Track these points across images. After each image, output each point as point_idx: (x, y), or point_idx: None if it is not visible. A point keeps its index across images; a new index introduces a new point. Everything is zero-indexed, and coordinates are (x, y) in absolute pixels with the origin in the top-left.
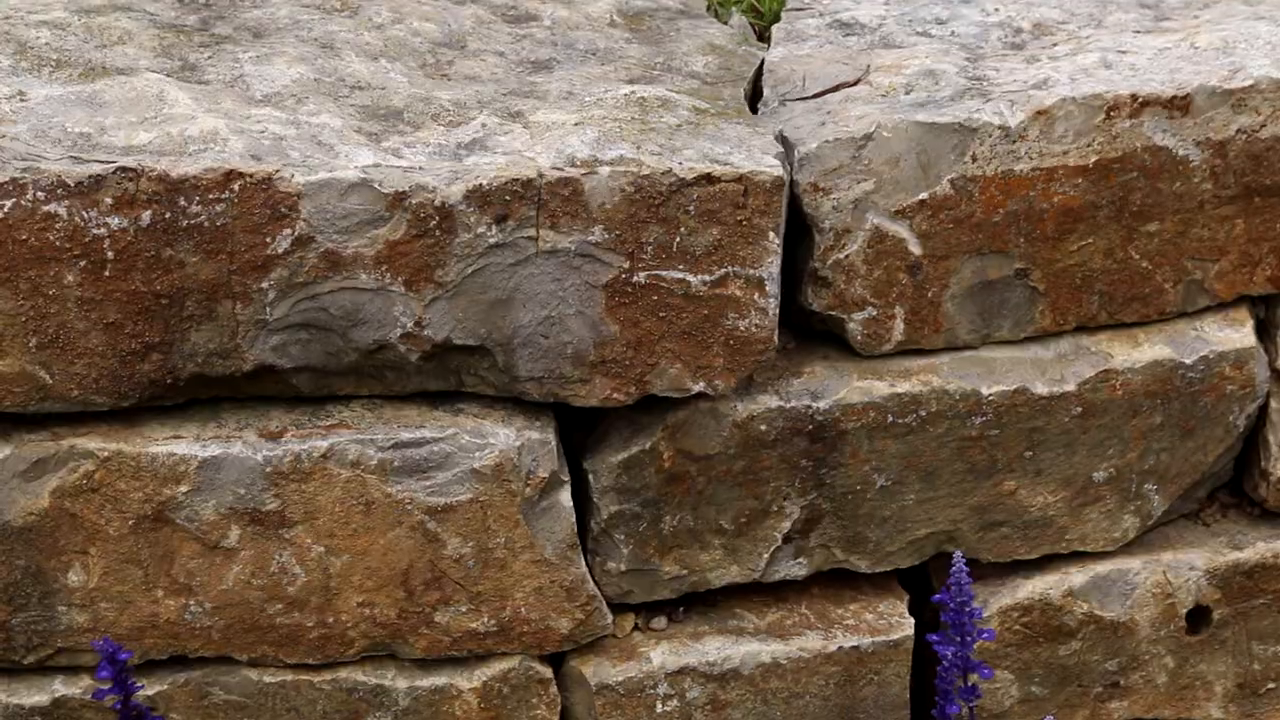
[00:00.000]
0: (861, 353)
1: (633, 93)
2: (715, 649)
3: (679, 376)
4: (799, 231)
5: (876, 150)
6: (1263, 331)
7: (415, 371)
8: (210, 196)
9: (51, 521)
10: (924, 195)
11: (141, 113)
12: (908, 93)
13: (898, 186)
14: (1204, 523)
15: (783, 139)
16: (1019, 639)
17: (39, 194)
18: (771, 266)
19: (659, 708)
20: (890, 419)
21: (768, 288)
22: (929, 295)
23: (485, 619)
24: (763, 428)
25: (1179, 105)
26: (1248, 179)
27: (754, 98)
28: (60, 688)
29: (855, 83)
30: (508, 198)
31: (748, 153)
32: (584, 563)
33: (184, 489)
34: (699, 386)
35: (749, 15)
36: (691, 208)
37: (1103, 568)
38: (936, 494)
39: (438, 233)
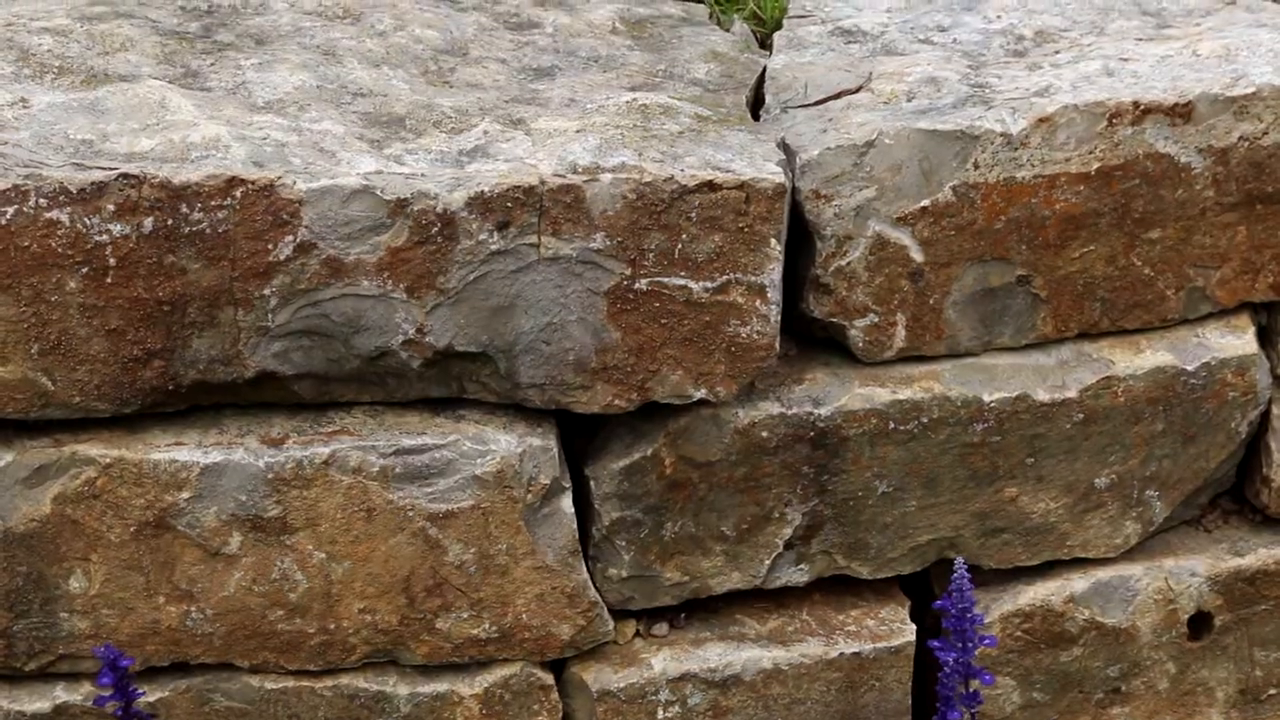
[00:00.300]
0: (863, 359)
1: (635, 100)
2: (717, 655)
3: (680, 383)
4: (800, 238)
5: (878, 157)
6: (1264, 338)
7: (417, 378)
8: (212, 203)
9: (53, 528)
10: (926, 202)
11: (144, 119)
12: (910, 100)
13: (900, 193)
14: (1206, 529)
15: (784, 146)
16: (1020, 645)
17: (41, 201)
18: (773, 273)
19: (660, 714)
20: (892, 425)
21: (769, 295)
22: (931, 302)
23: (487, 625)
24: (764, 434)
25: (1181, 112)
26: (1250, 186)
27: (756, 105)
28: (62, 694)
29: (857, 90)
30: (509, 205)
31: (749, 160)
32: (585, 569)
33: (185, 495)
34: (700, 393)
35: (751, 22)
36: (693, 215)
37: (1104, 574)
38: (938, 500)
39: (439, 239)
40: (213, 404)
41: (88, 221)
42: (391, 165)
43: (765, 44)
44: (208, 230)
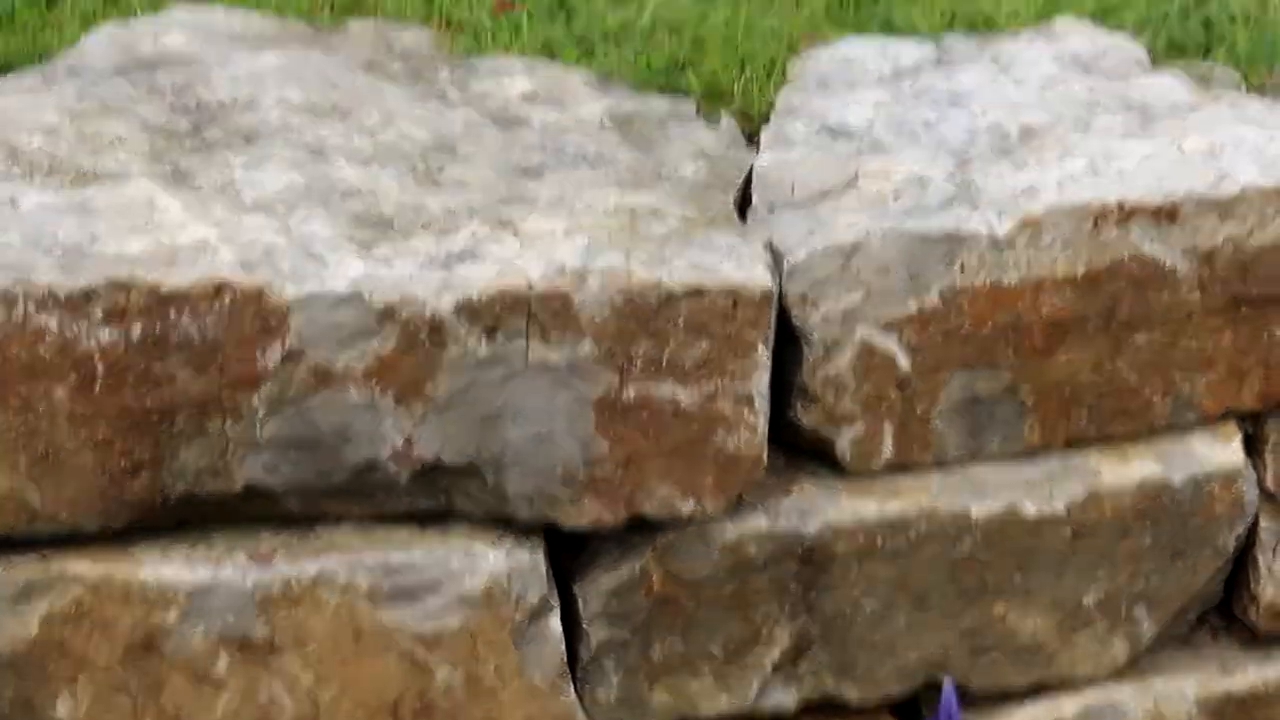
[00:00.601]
0: (851, 470)
1: (623, 200)
2: None
3: (668, 497)
4: (786, 342)
5: (865, 260)
6: (1251, 448)
7: (405, 491)
8: (201, 309)
9: (40, 649)
10: (913, 307)
11: (132, 221)
12: (896, 199)
13: (887, 297)
14: (1194, 647)
15: (771, 248)
16: None
17: (30, 306)
18: (760, 382)
19: None
20: (880, 540)
21: (756, 404)
22: (918, 411)
23: None
24: (752, 550)
25: (1166, 214)
26: (1235, 289)
27: (744, 203)
28: None
29: (844, 189)
30: (498, 309)
31: (737, 263)
32: (574, 691)
33: (173, 615)
34: (688, 507)
35: (738, 118)
36: (681, 320)
37: (1093, 697)
38: (926, 617)
39: (428, 346)
40: (200, 518)
41: (76, 328)
42: (380, 269)
43: (752, 139)
44: (196, 337)
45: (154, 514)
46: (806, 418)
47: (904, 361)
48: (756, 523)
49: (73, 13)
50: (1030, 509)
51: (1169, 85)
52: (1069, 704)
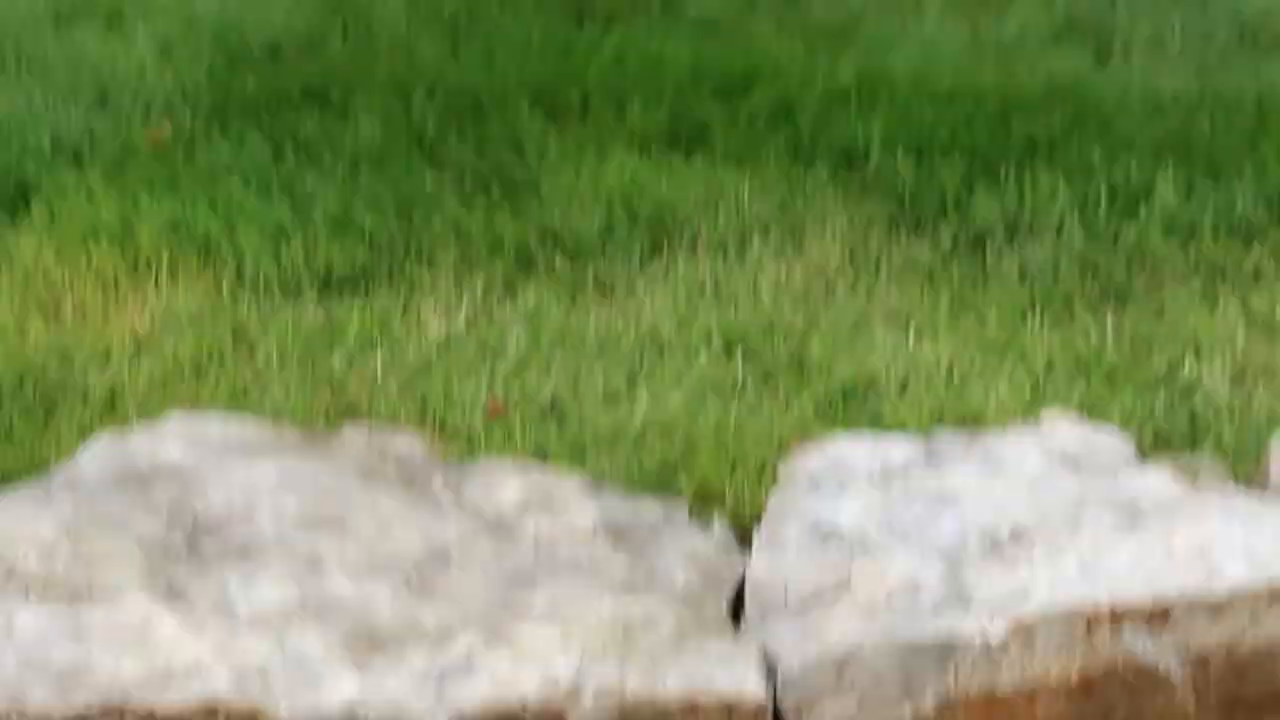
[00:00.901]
0: None
1: (616, 609)
2: None
3: None
4: None
5: (858, 669)
6: None
7: None
8: None
9: None
10: (908, 713)
11: (126, 641)
12: (888, 603)
13: (881, 704)
14: None
15: (765, 655)
16: None
17: None
18: None
19: None
20: None
21: None
22: None
23: None
24: None
25: (1158, 616)
26: (1230, 689)
27: (737, 605)
28: None
29: (836, 592)
30: None
31: (731, 673)
32: None
33: None
34: None
35: (730, 520)
36: None
37: None
38: None
39: None
40: None
41: None
42: (374, 686)
43: (744, 540)
44: None
45: None
46: None
47: None
48: None
49: (70, 424)
50: None
51: (1156, 481)
52: None
